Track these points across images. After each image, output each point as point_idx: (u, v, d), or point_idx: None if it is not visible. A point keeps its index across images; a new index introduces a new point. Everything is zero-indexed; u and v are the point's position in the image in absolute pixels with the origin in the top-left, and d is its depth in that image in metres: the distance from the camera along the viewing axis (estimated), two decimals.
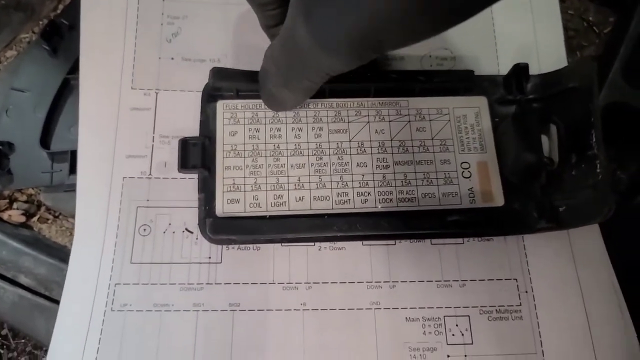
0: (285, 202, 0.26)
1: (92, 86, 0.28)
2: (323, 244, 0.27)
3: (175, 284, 0.26)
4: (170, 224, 0.27)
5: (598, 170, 0.25)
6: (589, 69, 0.26)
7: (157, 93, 0.28)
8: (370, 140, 0.28)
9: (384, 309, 0.26)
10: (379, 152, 0.28)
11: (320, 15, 0.18)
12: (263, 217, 0.26)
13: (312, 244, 0.27)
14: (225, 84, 0.27)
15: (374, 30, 0.17)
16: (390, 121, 0.28)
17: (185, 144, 0.27)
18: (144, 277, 0.26)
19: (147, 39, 0.29)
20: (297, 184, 0.27)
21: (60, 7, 0.35)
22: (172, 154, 0.27)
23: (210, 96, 0.28)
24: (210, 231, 0.25)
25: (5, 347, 0.32)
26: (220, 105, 0.28)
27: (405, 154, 0.28)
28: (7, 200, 0.32)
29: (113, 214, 0.26)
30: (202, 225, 0.26)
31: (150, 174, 0.27)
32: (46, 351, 0.25)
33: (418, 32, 0.18)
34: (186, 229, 0.27)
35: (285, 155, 0.27)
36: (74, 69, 0.32)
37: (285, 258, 0.27)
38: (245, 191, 0.26)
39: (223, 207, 0.26)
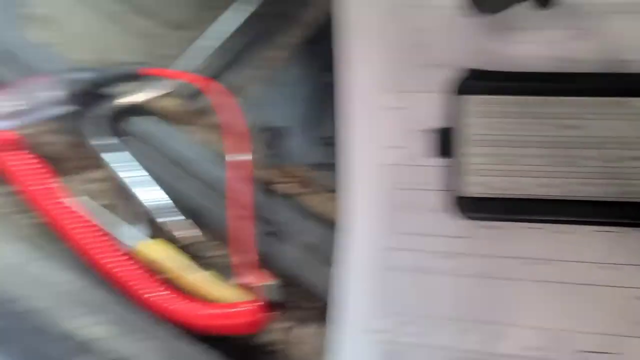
0: (528, 187, 0.30)
1: (352, 85, 0.34)
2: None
3: (428, 251, 0.31)
4: (422, 206, 0.32)
5: None
6: None
7: (407, 94, 0.33)
8: (605, 136, 0.29)
9: None
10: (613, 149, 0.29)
11: None
12: (511, 199, 0.30)
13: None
14: (476, 82, 0.31)
15: None
16: (626, 120, 0.29)
17: (437, 134, 0.31)
18: (405, 244, 0.31)
19: (395, 46, 0.34)
20: (539, 173, 0.30)
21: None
22: (422, 146, 0.32)
23: (461, 91, 0.31)
24: (462, 210, 0.30)
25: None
26: (471, 99, 0.31)
27: None
28: (281, 175, 0.37)
29: (372, 198, 0.33)
30: (452, 204, 0.31)
31: (403, 163, 0.32)
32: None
33: None
34: (434, 209, 0.31)
35: (529, 147, 0.30)
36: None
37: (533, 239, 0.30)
38: (494, 176, 0.30)
39: (471, 189, 0.30)
